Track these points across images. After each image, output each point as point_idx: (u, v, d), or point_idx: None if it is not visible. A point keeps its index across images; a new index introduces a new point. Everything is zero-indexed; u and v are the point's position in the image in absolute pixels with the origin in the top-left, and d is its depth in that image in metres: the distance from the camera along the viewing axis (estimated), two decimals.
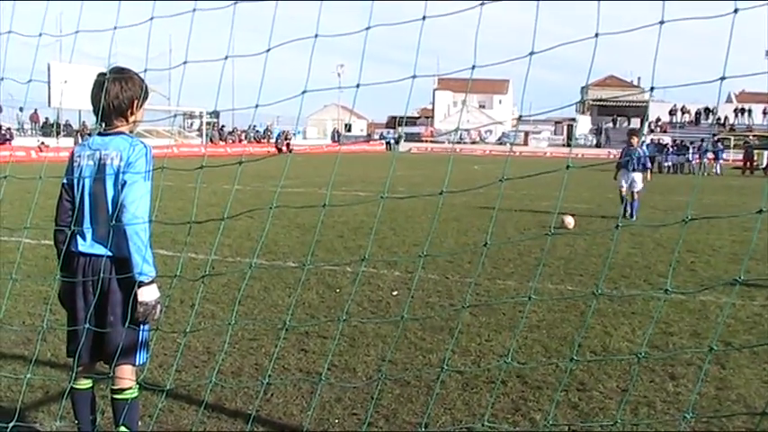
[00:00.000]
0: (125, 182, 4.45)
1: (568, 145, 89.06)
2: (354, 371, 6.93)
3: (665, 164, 52.77)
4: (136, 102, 4.63)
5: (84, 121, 62.93)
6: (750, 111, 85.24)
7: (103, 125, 4.68)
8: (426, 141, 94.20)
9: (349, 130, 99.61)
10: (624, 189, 20.02)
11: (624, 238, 15.22)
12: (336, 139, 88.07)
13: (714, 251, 14.29)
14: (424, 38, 4.18)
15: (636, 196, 19.92)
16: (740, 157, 56.49)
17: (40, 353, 6.89)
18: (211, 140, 72.00)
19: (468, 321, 8.67)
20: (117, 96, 4.55)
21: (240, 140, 75.38)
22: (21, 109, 58.27)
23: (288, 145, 69.74)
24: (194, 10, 4.65)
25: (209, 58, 4.77)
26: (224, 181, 23.47)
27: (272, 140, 75.33)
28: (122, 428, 4.69)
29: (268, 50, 4.51)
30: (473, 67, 4.12)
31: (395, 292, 10.07)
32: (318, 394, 6.26)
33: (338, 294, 9.91)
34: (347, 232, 15.63)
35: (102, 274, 4.54)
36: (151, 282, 4.50)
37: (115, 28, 4.89)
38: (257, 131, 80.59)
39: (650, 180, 21.10)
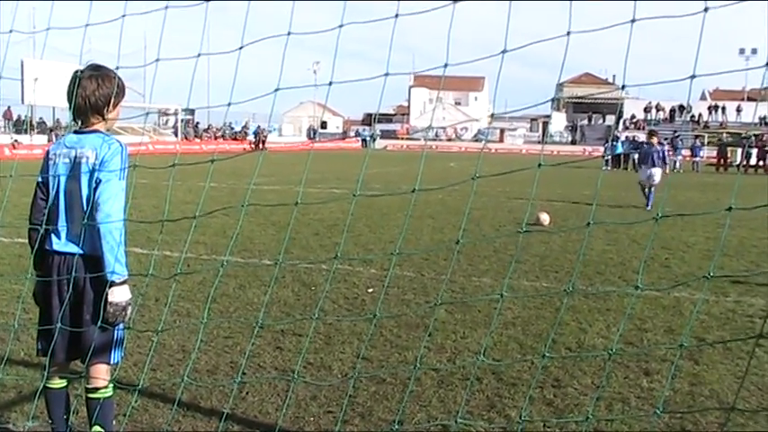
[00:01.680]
0: (99, 180, 4.41)
1: (544, 142, 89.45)
2: (330, 368, 6.93)
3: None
4: (112, 99, 4.57)
5: (58, 119, 62.52)
6: (724, 108, 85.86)
7: (79, 123, 4.63)
8: (402, 138, 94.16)
9: (324, 128, 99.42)
10: (644, 182, 22.59)
11: (599, 235, 15.29)
12: (312, 136, 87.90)
13: (688, 248, 14.39)
14: (399, 36, 4.18)
15: (653, 189, 22.42)
16: (714, 154, 56.82)
17: (12, 352, 6.84)
18: (186, 138, 71.72)
19: (444, 318, 8.68)
20: (93, 94, 4.50)
21: (216, 138, 75.10)
22: None
23: (263, 142, 69.48)
24: (167, 7, 4.62)
25: (184, 55, 4.74)
26: (199, 178, 23.41)
27: (250, 137, 75.02)
28: (96, 428, 4.67)
29: (241, 48, 4.50)
30: (446, 65, 4.13)
31: (370, 290, 10.07)
32: (294, 392, 6.25)
33: (314, 292, 9.89)
34: (323, 230, 15.62)
35: (76, 273, 4.51)
36: (123, 282, 4.46)
37: (87, 25, 4.86)
38: (233, 129, 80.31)
39: (668, 174, 23.83)
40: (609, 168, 49.76)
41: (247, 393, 6.25)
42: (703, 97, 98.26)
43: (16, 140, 51.98)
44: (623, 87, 3.95)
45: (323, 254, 12.83)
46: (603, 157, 49.75)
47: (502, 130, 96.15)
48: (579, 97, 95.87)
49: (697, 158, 53.00)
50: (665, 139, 59.71)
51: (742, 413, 6.04)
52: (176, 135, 72.60)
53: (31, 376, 6.38)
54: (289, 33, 4.28)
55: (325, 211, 18.27)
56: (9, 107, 62.37)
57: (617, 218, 19.43)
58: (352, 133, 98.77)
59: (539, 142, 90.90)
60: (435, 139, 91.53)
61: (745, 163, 50.26)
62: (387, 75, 4.26)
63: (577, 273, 11.52)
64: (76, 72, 4.57)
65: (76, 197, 4.53)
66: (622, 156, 53.08)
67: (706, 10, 3.45)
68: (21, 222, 5.12)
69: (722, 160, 54.20)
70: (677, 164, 52.00)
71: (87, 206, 4.48)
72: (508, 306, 9.23)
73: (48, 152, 4.73)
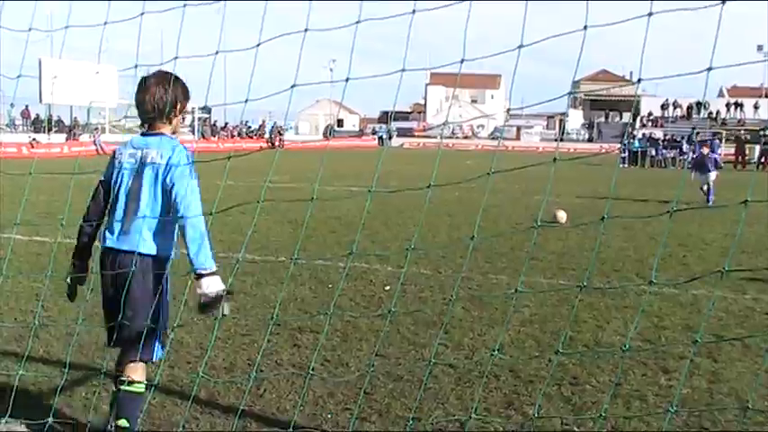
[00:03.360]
0: (173, 183, 4.59)
1: (561, 139, 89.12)
2: (347, 366, 6.93)
3: (658, 158, 52.84)
4: (178, 104, 4.78)
5: (75, 117, 62.71)
6: (742, 105, 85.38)
7: (146, 126, 4.84)
8: (418, 136, 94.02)
9: (341, 126, 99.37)
10: (703, 182, 23.63)
11: (617, 232, 15.24)
12: (328, 134, 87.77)
13: (706, 245, 14.32)
14: (416, 33, 4.19)
15: (712, 184, 23.45)
16: (732, 151, 56.43)
17: (31, 350, 6.87)
18: (203, 136, 71.87)
19: (461, 316, 8.68)
20: (161, 98, 4.68)
21: (232, 136, 75.20)
22: (12, 105, 58.17)
23: (280, 140, 69.46)
24: (185, 5, 4.64)
25: (201, 53, 4.77)
26: (216, 177, 23.35)
27: (266, 136, 75.03)
28: (123, 421, 4.74)
29: (258, 45, 4.50)
30: (462, 61, 4.13)
31: (387, 287, 10.07)
32: (311, 389, 6.26)
33: (331, 290, 9.90)
34: (340, 227, 15.63)
35: (128, 269, 4.63)
36: (211, 273, 4.55)
37: (105, 23, 4.88)
38: (249, 128, 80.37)
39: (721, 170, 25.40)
40: (626, 166, 49.63)
41: (265, 390, 6.27)
42: (721, 94, 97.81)
43: (34, 139, 52.22)
44: (639, 81, 3.94)
45: (340, 251, 12.82)
46: (621, 153, 49.59)
47: (518, 128, 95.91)
48: (595, 93, 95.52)
49: (715, 155, 52.63)
50: (682, 137, 59.57)
51: (761, 412, 6.01)
52: (194, 133, 72.81)
53: (50, 373, 6.42)
54: (306, 30, 4.29)
55: (341, 208, 18.27)
56: (27, 106, 62.59)
57: (632, 215, 19.32)
58: (369, 131, 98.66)
59: (555, 140, 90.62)
60: (452, 137, 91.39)
61: (763, 160, 49.81)
62: (403, 71, 4.26)
63: (594, 270, 11.49)
64: (144, 78, 4.77)
65: (135, 196, 4.69)
66: (639, 153, 52.93)
67: (724, 2, 3.44)
68: (39, 220, 5.19)
69: (740, 157, 53.85)
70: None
71: (147, 206, 4.66)
72: (525, 303, 9.22)
73: (114, 152, 4.91)
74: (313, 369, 6.64)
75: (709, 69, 3.63)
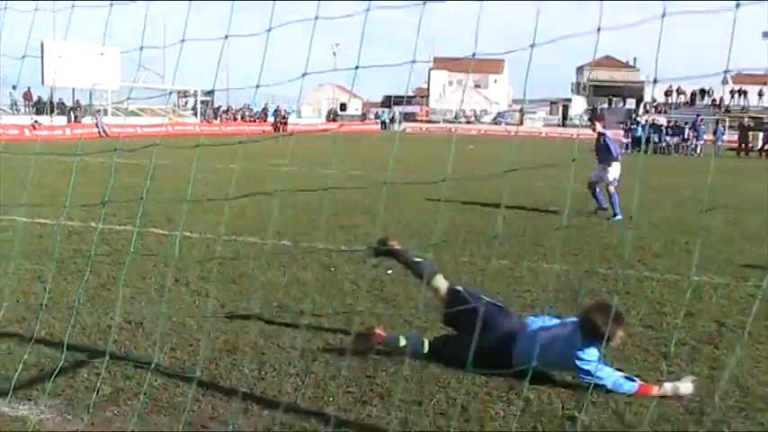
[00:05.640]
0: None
1: (563, 125, 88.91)
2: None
3: (661, 144, 52.83)
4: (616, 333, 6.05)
5: (77, 100, 62.60)
6: (746, 92, 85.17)
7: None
8: (421, 121, 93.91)
9: (344, 110, 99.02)
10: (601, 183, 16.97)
11: None
12: (333, 118, 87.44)
13: (708, 232, 14.30)
14: (421, 17, 4.17)
15: (614, 187, 16.43)
16: (735, 138, 56.39)
17: (34, 331, 6.89)
18: (205, 119, 71.79)
19: None
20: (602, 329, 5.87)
21: (234, 119, 75.09)
22: (14, 87, 58.11)
23: (285, 123, 69.22)
24: None
25: (204, 36, 4.76)
26: (218, 159, 23.38)
27: (270, 119, 74.80)
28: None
29: (269, 30, 4.49)
30: (474, 55, 4.11)
31: (389, 271, 10.06)
32: (313, 372, 6.27)
33: (333, 273, 9.91)
34: (342, 211, 15.61)
35: None
36: None
37: (111, 4, 4.87)
38: (251, 110, 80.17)
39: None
40: (629, 151, 49.59)
41: (266, 373, 6.28)
42: (725, 81, 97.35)
43: (36, 121, 52.15)
44: (655, 81, 3.93)
45: (342, 235, 12.82)
46: (625, 139, 49.53)
47: (522, 113, 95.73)
48: (600, 80, 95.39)
49: (719, 143, 52.61)
50: (686, 123, 59.38)
51: (761, 398, 6.02)
52: (196, 116, 72.79)
53: (53, 355, 6.42)
54: (316, 18, 4.27)
55: (344, 192, 18.25)
56: (29, 88, 62.45)
57: (639, 202, 19.28)
58: (372, 116, 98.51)
59: (558, 125, 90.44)
60: (454, 121, 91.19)
61: (766, 147, 49.72)
62: (413, 62, 4.25)
63: (597, 256, 11.48)
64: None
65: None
66: (643, 139, 52.84)
67: (737, 6, 3.42)
68: (41, 202, 5.19)
69: (743, 145, 53.81)
70: (699, 148, 51.80)
71: None
72: (527, 289, 9.22)
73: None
74: (315, 352, 6.66)
75: (726, 72, 3.61)
